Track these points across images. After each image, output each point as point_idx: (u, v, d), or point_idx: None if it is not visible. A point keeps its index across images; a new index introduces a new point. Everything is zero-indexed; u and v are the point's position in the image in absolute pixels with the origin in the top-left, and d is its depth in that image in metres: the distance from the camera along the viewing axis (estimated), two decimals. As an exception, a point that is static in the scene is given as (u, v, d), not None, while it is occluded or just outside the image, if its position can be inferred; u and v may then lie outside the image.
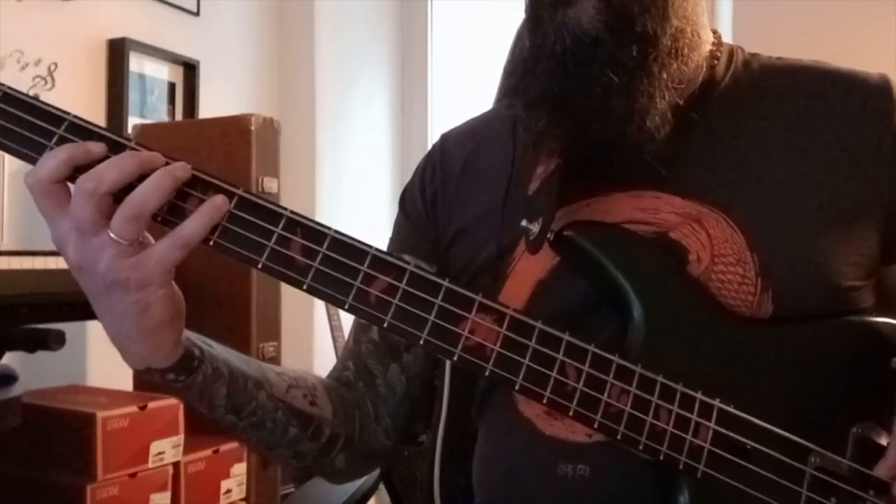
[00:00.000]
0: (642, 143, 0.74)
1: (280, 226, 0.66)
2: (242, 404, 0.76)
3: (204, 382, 0.72)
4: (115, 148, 0.66)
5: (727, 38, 0.85)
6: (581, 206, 0.79)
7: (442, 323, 0.67)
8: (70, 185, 0.64)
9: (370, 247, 0.68)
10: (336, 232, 0.67)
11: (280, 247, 0.66)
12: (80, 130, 0.66)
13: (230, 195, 0.66)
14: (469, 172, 0.89)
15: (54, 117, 0.66)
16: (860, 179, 0.77)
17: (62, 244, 0.64)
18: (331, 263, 0.67)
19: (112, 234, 0.63)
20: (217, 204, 0.65)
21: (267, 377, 0.79)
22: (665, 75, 0.73)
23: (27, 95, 0.67)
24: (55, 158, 0.63)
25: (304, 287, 0.66)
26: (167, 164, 0.65)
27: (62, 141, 0.65)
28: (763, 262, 0.74)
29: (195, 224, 0.64)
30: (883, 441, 0.70)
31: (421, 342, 0.67)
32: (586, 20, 0.71)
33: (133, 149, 0.66)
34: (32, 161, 0.65)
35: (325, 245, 0.67)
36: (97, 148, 0.65)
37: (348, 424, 0.85)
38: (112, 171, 0.63)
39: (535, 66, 0.74)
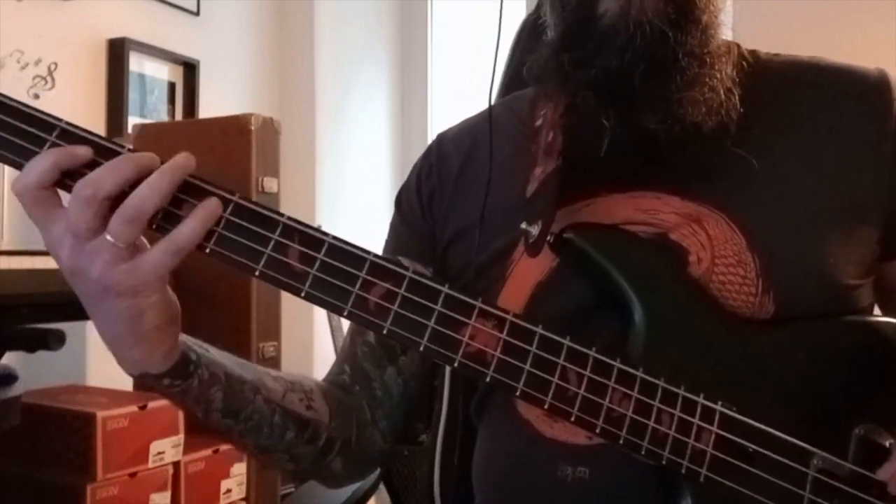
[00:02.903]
0: (719, 137, 0.75)
1: (277, 232, 0.66)
2: (239, 409, 0.75)
3: (200, 387, 0.72)
4: (105, 152, 0.64)
5: (727, 36, 0.85)
6: (580, 206, 0.78)
7: (442, 329, 0.66)
8: (58, 189, 0.63)
9: (368, 253, 0.67)
10: (334, 238, 0.67)
11: (277, 254, 0.65)
12: (71, 136, 0.65)
13: (226, 202, 0.66)
14: (467, 172, 0.88)
15: (46, 124, 0.65)
16: (860, 176, 0.77)
17: (55, 249, 0.64)
18: (329, 270, 0.66)
19: (109, 237, 0.62)
20: (210, 207, 0.64)
21: (263, 381, 0.78)
22: (724, 71, 0.75)
23: (19, 102, 0.66)
24: (41, 164, 0.62)
25: (302, 294, 0.66)
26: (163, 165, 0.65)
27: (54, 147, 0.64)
28: (763, 262, 0.74)
29: (189, 229, 0.64)
30: (885, 442, 0.70)
31: (421, 349, 0.66)
32: (652, 7, 0.71)
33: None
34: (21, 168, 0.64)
35: (323, 251, 0.66)
36: (82, 151, 0.64)
37: (345, 428, 0.84)
38: (109, 176, 0.62)
39: (592, 50, 0.73)
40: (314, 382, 0.85)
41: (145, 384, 0.70)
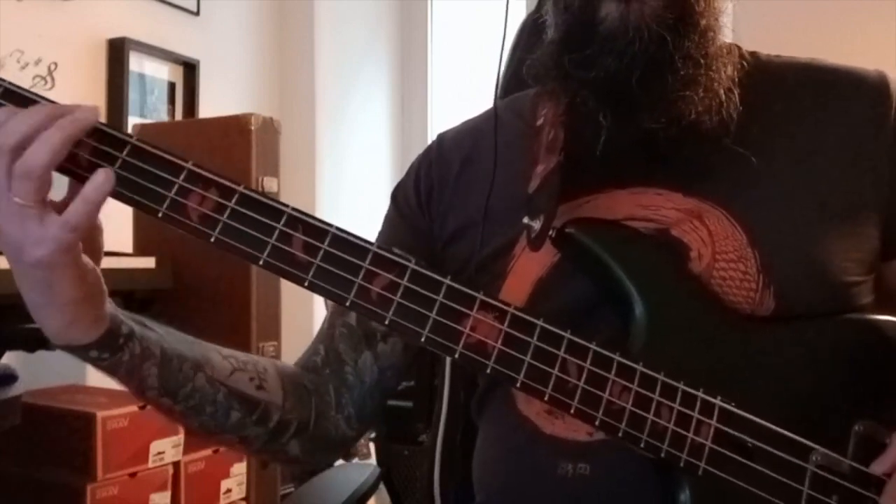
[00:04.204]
0: (719, 135, 0.75)
1: (281, 222, 0.66)
2: (177, 387, 0.74)
3: (131, 362, 0.71)
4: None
5: (727, 38, 0.86)
6: (582, 202, 0.79)
7: (443, 320, 0.67)
8: None
9: (372, 243, 0.68)
10: (337, 229, 0.67)
11: (281, 243, 0.66)
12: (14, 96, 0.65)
13: (231, 192, 0.66)
14: (468, 171, 0.88)
15: None
16: (860, 175, 0.78)
17: None
18: (332, 260, 0.67)
19: (11, 195, 0.62)
20: (97, 182, 0.64)
21: (210, 359, 0.78)
22: (723, 71, 0.75)
23: (29, 91, 0.66)
24: None
25: (306, 284, 0.66)
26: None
27: None
28: (764, 258, 0.74)
29: (76, 209, 0.63)
30: (885, 439, 0.70)
31: (423, 339, 0.67)
32: (652, 13, 0.72)
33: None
34: None
35: (327, 242, 0.67)
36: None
37: (301, 410, 0.83)
38: (18, 126, 0.62)
39: (592, 53, 0.73)
40: (270, 363, 0.84)
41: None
